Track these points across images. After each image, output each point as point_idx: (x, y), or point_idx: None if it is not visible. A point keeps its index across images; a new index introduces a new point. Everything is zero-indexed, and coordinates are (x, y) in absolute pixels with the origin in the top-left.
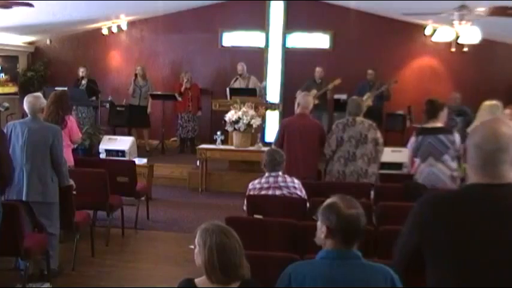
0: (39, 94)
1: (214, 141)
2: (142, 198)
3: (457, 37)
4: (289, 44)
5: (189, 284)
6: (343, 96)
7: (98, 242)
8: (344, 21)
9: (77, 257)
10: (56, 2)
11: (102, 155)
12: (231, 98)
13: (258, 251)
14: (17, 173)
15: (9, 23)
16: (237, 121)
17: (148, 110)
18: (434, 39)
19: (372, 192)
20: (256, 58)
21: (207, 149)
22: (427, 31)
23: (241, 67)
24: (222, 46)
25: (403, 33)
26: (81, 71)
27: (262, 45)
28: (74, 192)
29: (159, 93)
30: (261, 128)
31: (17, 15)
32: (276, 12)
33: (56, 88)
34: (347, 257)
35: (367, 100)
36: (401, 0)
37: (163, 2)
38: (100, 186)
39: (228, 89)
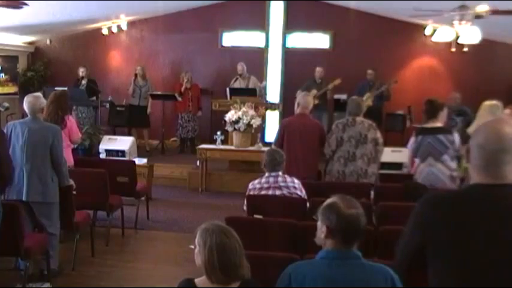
0: (39, 94)
1: (214, 141)
2: (142, 198)
3: (457, 37)
4: (289, 44)
5: (189, 284)
6: (343, 96)
7: (98, 242)
8: (344, 21)
9: (77, 257)
10: (56, 2)
11: (102, 155)
12: (231, 98)
13: (258, 251)
14: (17, 173)
15: (9, 23)
16: (237, 121)
17: (148, 110)
18: (434, 39)
19: (372, 192)
20: (256, 58)
21: (207, 149)
22: (427, 31)
23: (241, 67)
24: (222, 46)
25: (403, 33)
26: (81, 71)
27: (262, 45)
28: (74, 192)
29: (159, 93)
30: (261, 128)
31: (17, 15)
32: (276, 12)
33: (56, 88)
34: (347, 257)
35: (367, 100)
36: (402, 0)
37: (163, 2)
38: (100, 186)
39: (228, 89)
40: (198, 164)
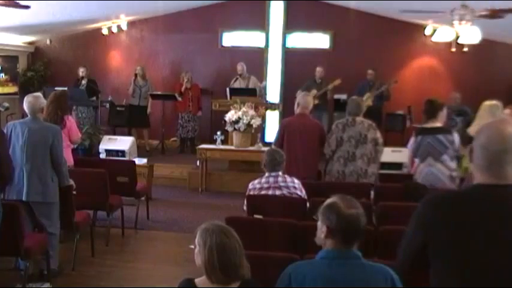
0: (39, 94)
1: (214, 141)
2: (142, 198)
3: (457, 37)
4: (289, 44)
5: (189, 284)
6: (343, 96)
7: (98, 242)
8: (344, 21)
9: (77, 257)
10: (56, 2)
11: (102, 155)
12: (231, 98)
13: (258, 251)
14: (17, 173)
15: (9, 23)
16: (237, 121)
17: (148, 110)
18: (434, 39)
19: (372, 192)
20: (256, 58)
21: (207, 149)
22: (427, 31)
23: (241, 67)
24: (222, 46)
25: (403, 33)
26: (81, 71)
27: (262, 45)
28: (74, 192)
29: (159, 93)
30: (261, 128)
31: (17, 15)
32: (276, 12)
33: (56, 88)
34: (347, 257)
35: (367, 100)
36: (402, 0)
37: (163, 2)
38: (100, 186)
39: (228, 89)
40: (198, 164)
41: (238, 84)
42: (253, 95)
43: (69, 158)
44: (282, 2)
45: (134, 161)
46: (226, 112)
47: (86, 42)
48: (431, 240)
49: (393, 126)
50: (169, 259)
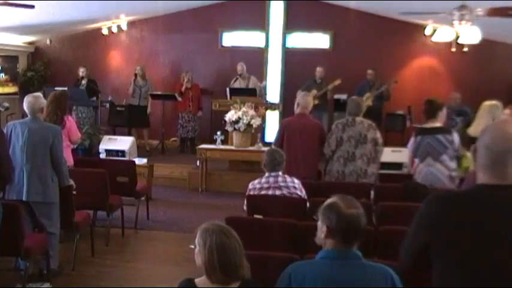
0: (39, 94)
1: (214, 141)
2: (142, 198)
3: (457, 37)
4: (289, 44)
5: (189, 284)
6: (343, 96)
7: (98, 242)
8: (344, 21)
9: (77, 257)
10: (56, 2)
11: (102, 155)
12: (231, 98)
13: (258, 251)
14: (17, 173)
15: (9, 23)
16: (237, 121)
17: (148, 110)
18: (434, 39)
19: (372, 192)
20: (256, 58)
21: (207, 149)
22: (427, 31)
23: (241, 67)
24: (222, 46)
25: (403, 33)
26: (81, 71)
27: (262, 45)
28: (74, 192)
29: (159, 93)
30: (261, 128)
31: (17, 15)
32: (276, 12)
33: (56, 88)
34: (347, 257)
35: (367, 100)
36: (402, 0)
37: (163, 2)
38: (100, 186)
39: (228, 89)
40: (198, 164)
41: (238, 84)
42: (253, 95)
43: (69, 158)
44: (282, 2)
45: (134, 161)
46: (226, 112)
47: (86, 42)
48: (434, 240)
49: (393, 126)
50: (169, 259)
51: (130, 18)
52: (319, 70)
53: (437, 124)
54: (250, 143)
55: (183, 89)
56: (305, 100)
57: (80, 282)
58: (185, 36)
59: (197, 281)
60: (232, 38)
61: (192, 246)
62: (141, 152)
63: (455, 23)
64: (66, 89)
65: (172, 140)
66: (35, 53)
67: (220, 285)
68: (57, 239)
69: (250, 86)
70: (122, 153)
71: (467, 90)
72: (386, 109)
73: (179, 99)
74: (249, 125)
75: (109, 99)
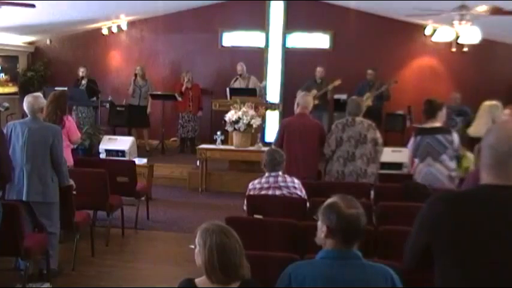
0: (38, 94)
1: (214, 141)
2: (142, 198)
3: (457, 37)
4: (289, 44)
5: (189, 284)
6: (343, 96)
7: (98, 242)
8: (344, 21)
9: (77, 257)
10: (56, 2)
11: (102, 155)
12: (231, 98)
13: (258, 251)
14: (17, 173)
15: (9, 23)
16: (237, 121)
17: (148, 110)
18: (434, 39)
19: (372, 192)
20: (256, 58)
21: (207, 149)
22: (427, 31)
23: (241, 67)
24: (222, 46)
25: (403, 33)
26: (81, 71)
27: (262, 45)
28: (74, 192)
29: (159, 93)
30: (261, 128)
31: (17, 15)
32: (276, 12)
33: (56, 88)
34: (347, 257)
35: (367, 100)
36: (402, 0)
37: (163, 2)
38: (100, 186)
39: (228, 89)
40: (198, 164)
41: (238, 84)
42: (253, 95)
43: (69, 158)
44: (282, 2)
45: (134, 161)
46: (226, 112)
47: (86, 42)
48: (436, 240)
49: (393, 126)
50: (169, 259)
51: (130, 18)
52: (319, 70)
53: (437, 124)
54: (250, 143)
55: (183, 89)
56: (305, 100)
57: (80, 282)
58: (185, 36)
59: (197, 281)
60: (232, 38)
61: (192, 246)
62: (141, 152)
63: (455, 23)
64: (66, 89)
65: (172, 140)
66: (35, 53)
67: (220, 285)
68: (57, 239)
69: (250, 86)
70: (122, 153)
71: (467, 90)
72: (386, 109)
73: (179, 99)
74: (249, 125)
75: (109, 99)
